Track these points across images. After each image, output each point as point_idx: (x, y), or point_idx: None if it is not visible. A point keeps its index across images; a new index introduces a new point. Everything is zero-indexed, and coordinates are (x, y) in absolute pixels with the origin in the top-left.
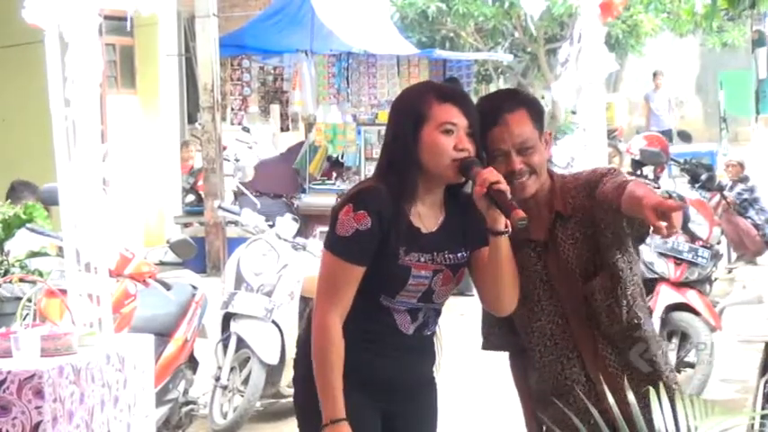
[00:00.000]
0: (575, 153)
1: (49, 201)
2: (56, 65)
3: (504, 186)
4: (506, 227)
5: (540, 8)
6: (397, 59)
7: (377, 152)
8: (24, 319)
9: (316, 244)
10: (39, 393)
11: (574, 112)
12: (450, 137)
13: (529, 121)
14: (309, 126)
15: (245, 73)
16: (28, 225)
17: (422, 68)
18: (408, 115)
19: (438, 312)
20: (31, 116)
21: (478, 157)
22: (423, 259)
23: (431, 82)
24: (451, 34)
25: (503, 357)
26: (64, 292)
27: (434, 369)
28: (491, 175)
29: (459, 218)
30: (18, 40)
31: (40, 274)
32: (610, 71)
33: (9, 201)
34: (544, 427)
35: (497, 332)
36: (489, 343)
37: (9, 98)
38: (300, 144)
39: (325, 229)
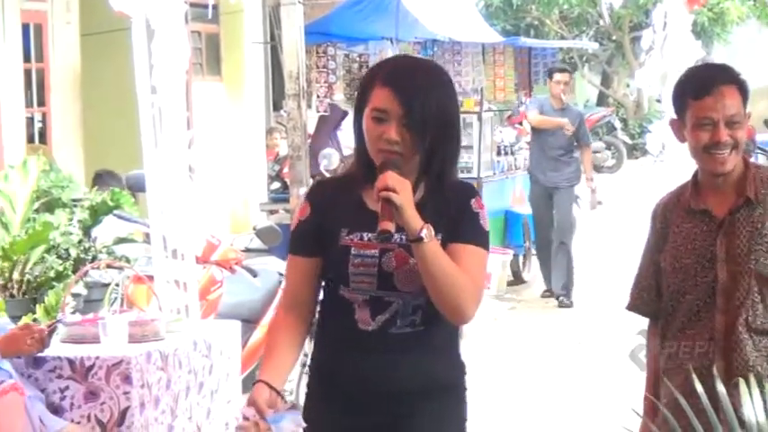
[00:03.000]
0: (666, 140)
1: (136, 187)
2: (142, 52)
3: (389, 195)
4: (418, 235)
5: None
6: (482, 47)
7: (462, 140)
8: (112, 305)
9: None
10: (127, 379)
11: (659, 101)
12: (379, 125)
13: (739, 97)
14: None
15: (331, 60)
16: (115, 212)
17: (507, 56)
18: (360, 93)
19: (416, 309)
20: (118, 103)
21: (416, 149)
22: (367, 238)
23: (393, 60)
24: (536, 22)
25: (533, 367)
26: (151, 278)
27: (444, 377)
28: (381, 181)
29: (434, 204)
30: (105, 28)
31: (128, 261)
32: (696, 59)
33: (96, 189)
34: (663, 399)
35: (645, 298)
36: (635, 306)
37: (96, 86)
38: None
39: None
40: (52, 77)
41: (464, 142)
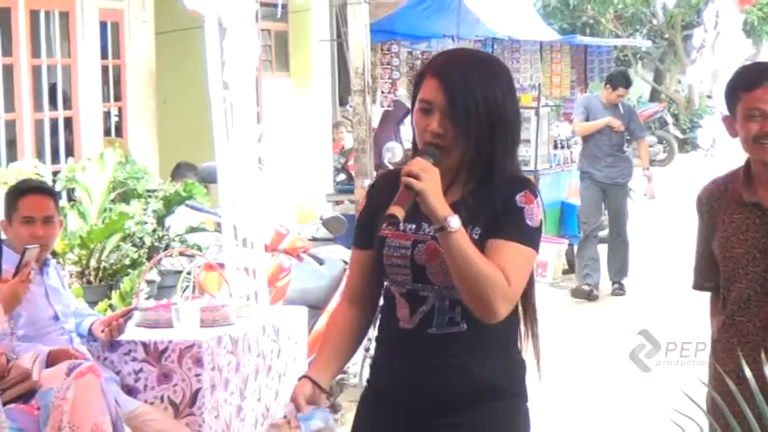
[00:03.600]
0: (716, 135)
1: (208, 179)
2: (214, 49)
3: (409, 181)
4: (442, 224)
5: None
6: (540, 45)
7: (521, 134)
8: (184, 291)
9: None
10: (198, 362)
11: (709, 97)
12: (426, 116)
13: None
14: None
15: (395, 57)
16: (187, 202)
17: (563, 54)
18: (414, 85)
19: (454, 304)
20: (191, 98)
21: (460, 142)
22: (403, 228)
23: (449, 52)
24: (591, 21)
25: (588, 352)
26: (222, 265)
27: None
28: (406, 167)
29: (479, 198)
30: (179, 26)
31: (199, 249)
32: (746, 57)
33: (171, 179)
34: (714, 382)
35: (707, 276)
36: (699, 285)
37: (170, 81)
38: None
39: None
40: (128, 74)
41: (522, 136)
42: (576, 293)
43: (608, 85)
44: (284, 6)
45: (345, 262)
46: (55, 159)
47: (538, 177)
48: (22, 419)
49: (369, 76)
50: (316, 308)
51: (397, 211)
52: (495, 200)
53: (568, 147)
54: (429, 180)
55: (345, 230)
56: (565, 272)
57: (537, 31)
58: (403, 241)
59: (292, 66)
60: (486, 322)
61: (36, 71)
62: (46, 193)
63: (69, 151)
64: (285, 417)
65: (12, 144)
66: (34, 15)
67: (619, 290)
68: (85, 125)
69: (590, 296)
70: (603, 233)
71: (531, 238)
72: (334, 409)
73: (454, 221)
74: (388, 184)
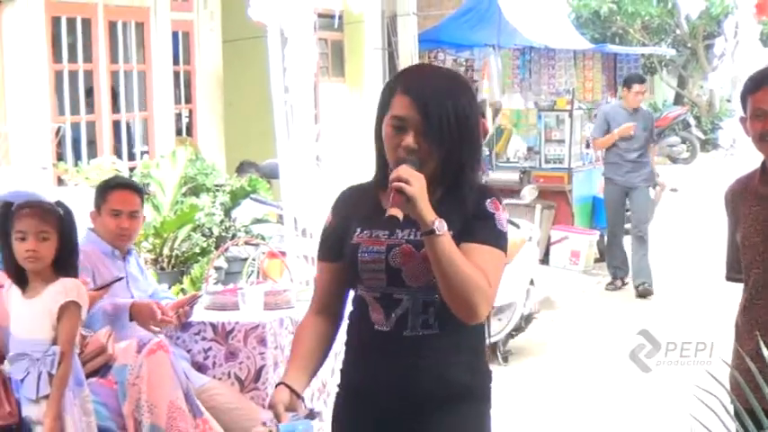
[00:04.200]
0: (736, 135)
1: (270, 175)
2: (276, 56)
3: (401, 186)
4: (431, 228)
5: (699, 8)
6: (574, 53)
7: (555, 134)
8: (249, 277)
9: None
10: (262, 341)
11: (729, 101)
12: (398, 133)
13: None
14: (496, 111)
15: (440, 64)
16: (252, 196)
17: (595, 61)
18: (381, 100)
19: (427, 306)
20: (255, 101)
21: (434, 156)
22: (377, 235)
23: (414, 68)
24: (621, 31)
25: (616, 333)
26: (283, 253)
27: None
28: (394, 173)
29: (450, 204)
30: (244, 35)
31: (263, 238)
32: (763, 64)
33: (237, 175)
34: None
35: (736, 267)
36: (729, 276)
37: (236, 86)
38: None
39: (510, 200)
40: (198, 79)
41: (557, 136)
42: (609, 288)
43: (625, 88)
44: (340, 18)
45: None
46: (131, 157)
47: (572, 174)
48: (102, 393)
49: None
50: None
51: (397, 212)
52: (465, 206)
53: (592, 143)
54: (418, 185)
55: None
56: (596, 260)
57: (571, 41)
58: (377, 246)
59: (347, 72)
60: (467, 323)
61: (114, 76)
62: (134, 190)
63: (144, 149)
64: (265, 425)
65: (92, 143)
66: (112, 26)
67: (644, 288)
68: (159, 126)
69: (623, 285)
70: (628, 225)
71: (502, 242)
72: (312, 415)
73: (441, 225)
74: (354, 198)
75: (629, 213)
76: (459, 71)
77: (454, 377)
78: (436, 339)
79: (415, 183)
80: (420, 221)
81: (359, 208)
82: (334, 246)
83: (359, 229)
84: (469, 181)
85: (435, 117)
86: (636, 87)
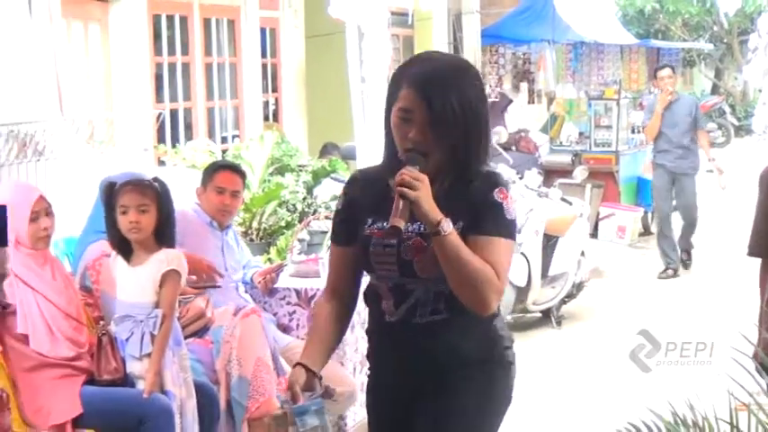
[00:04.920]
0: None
1: (348, 156)
2: (354, 50)
3: (403, 191)
4: (436, 228)
5: (735, 6)
6: (620, 48)
7: (604, 121)
8: (329, 248)
9: (555, 192)
10: None
11: (760, 90)
12: (405, 125)
13: None
14: (550, 100)
15: (501, 58)
16: (332, 175)
17: (639, 55)
18: (389, 90)
19: (438, 296)
20: (334, 90)
21: (440, 146)
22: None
23: (420, 59)
24: (663, 28)
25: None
26: None
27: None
28: (398, 177)
29: (458, 193)
30: (325, 31)
31: None
32: None
33: (318, 157)
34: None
35: (759, 241)
36: (751, 250)
37: (317, 76)
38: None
39: (564, 180)
40: (283, 70)
41: (605, 122)
42: (662, 276)
43: (655, 77)
44: (412, 15)
45: None
46: (223, 140)
47: (619, 156)
48: (199, 351)
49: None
50: None
51: (399, 222)
52: (473, 196)
53: (643, 131)
54: (421, 188)
55: None
56: (641, 234)
57: (618, 36)
58: (389, 239)
59: None
60: (478, 314)
61: (208, 68)
62: (237, 172)
63: (235, 133)
64: (282, 407)
65: (188, 127)
66: (207, 22)
67: (687, 260)
68: (248, 112)
69: (675, 275)
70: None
71: (510, 230)
72: (328, 393)
73: (447, 225)
74: (367, 184)
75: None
76: (517, 64)
77: (467, 352)
78: (446, 323)
79: (419, 185)
80: (425, 222)
81: (369, 195)
82: (345, 231)
83: (370, 221)
84: (477, 171)
85: (439, 111)
86: (660, 74)
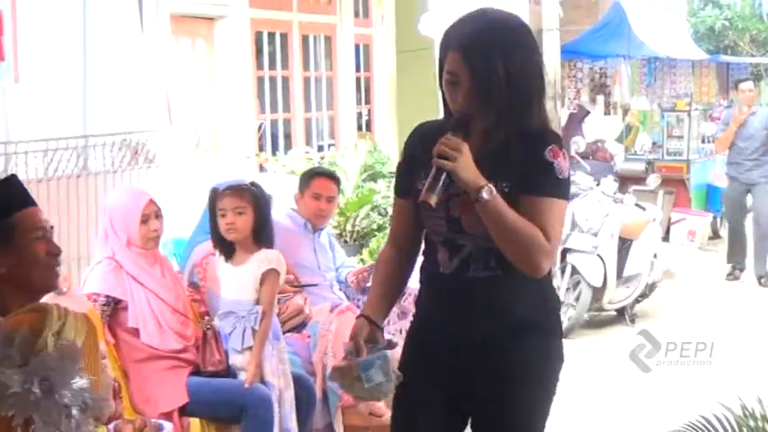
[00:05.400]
0: None
1: None
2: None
3: (440, 163)
4: (476, 196)
5: None
6: (692, 63)
7: (675, 131)
8: None
9: (630, 199)
10: None
11: None
12: (453, 88)
13: None
14: (625, 112)
15: (579, 72)
16: None
17: (710, 69)
18: (441, 48)
19: (489, 252)
20: (424, 102)
21: (488, 107)
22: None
23: (466, 21)
24: (732, 44)
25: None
26: None
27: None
28: (439, 147)
29: (507, 152)
30: (415, 47)
31: None
32: None
33: None
34: None
35: None
36: None
37: (407, 89)
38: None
39: (638, 187)
40: (375, 83)
41: (677, 133)
42: (729, 279)
43: (735, 90)
44: None
45: None
46: (320, 148)
47: (689, 165)
48: (296, 345)
49: (559, 86)
50: None
51: (429, 198)
52: (523, 153)
53: (712, 141)
54: (459, 157)
55: None
56: (710, 238)
57: (689, 52)
58: (426, 207)
59: None
60: (530, 276)
61: (306, 81)
62: (333, 179)
63: (331, 142)
64: (347, 358)
65: (288, 137)
66: (305, 39)
67: (766, 281)
68: (343, 122)
69: (740, 278)
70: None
71: (562, 190)
72: (390, 345)
73: (486, 192)
74: (425, 138)
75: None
76: (594, 77)
77: (517, 314)
78: (498, 280)
79: (456, 155)
80: (467, 190)
81: (426, 151)
82: (405, 183)
83: (423, 174)
84: (527, 130)
85: (483, 79)
86: (741, 87)
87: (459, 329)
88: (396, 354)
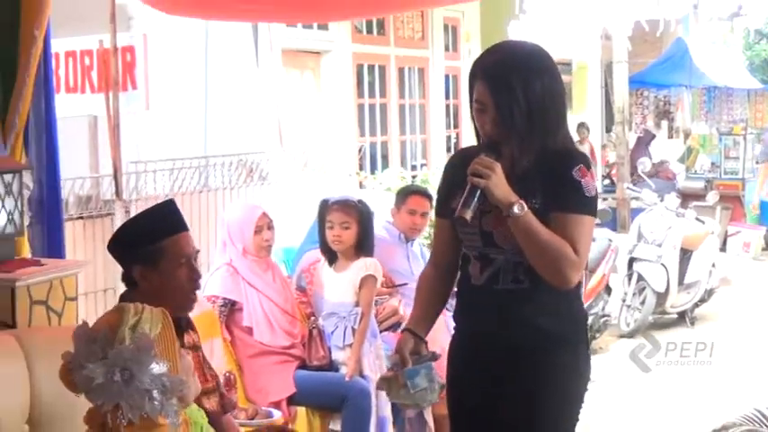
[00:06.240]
0: None
1: None
2: None
3: (474, 181)
4: (508, 212)
5: None
6: (748, 92)
7: (732, 153)
8: None
9: (691, 213)
10: None
11: None
12: (481, 115)
13: None
14: (687, 135)
15: (645, 100)
16: None
17: (765, 98)
18: (469, 79)
19: (518, 265)
20: None
21: (513, 132)
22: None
23: (491, 53)
24: None
25: None
26: None
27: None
28: (473, 166)
29: (537, 172)
30: None
31: None
32: None
33: None
34: None
35: None
36: None
37: None
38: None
39: (698, 203)
40: (463, 109)
41: (733, 154)
42: None
43: None
44: (571, 65)
45: (610, 240)
46: (413, 168)
47: (745, 183)
48: (392, 342)
49: (627, 112)
50: (587, 269)
51: (465, 213)
52: (552, 173)
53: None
54: (492, 175)
55: (609, 218)
56: (763, 249)
57: (745, 81)
58: (461, 222)
59: (574, 105)
60: (558, 288)
61: (401, 108)
62: (426, 196)
63: (423, 162)
64: (393, 369)
65: (384, 157)
66: (401, 70)
67: None
68: (434, 145)
69: None
70: None
71: (590, 207)
72: (434, 357)
73: (517, 208)
74: (462, 161)
75: None
76: (659, 105)
77: (545, 326)
78: (527, 293)
79: (489, 174)
80: (500, 206)
81: (461, 172)
82: (445, 203)
83: (460, 194)
84: (551, 149)
85: (506, 103)
86: None
87: (489, 338)
88: (439, 363)
